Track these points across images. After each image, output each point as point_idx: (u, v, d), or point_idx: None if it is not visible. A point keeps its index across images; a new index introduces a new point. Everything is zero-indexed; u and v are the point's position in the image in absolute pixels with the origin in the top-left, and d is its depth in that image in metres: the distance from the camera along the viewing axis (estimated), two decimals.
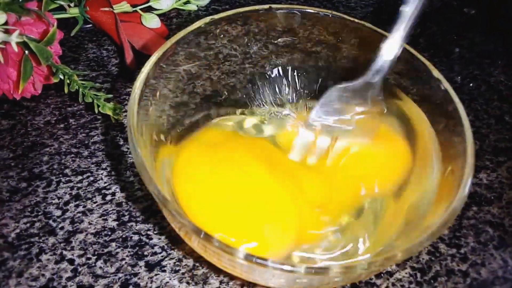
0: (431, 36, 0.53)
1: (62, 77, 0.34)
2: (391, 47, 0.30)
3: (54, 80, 0.32)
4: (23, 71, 0.33)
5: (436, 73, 0.32)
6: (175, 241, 0.33)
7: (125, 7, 0.44)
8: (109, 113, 0.34)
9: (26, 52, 0.33)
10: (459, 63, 0.50)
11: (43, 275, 0.31)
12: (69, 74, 0.32)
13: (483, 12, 0.57)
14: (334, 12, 0.35)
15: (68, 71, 0.32)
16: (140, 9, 0.46)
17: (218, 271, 0.31)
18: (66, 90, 0.33)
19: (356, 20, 0.35)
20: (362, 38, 0.35)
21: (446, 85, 0.31)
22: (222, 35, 0.34)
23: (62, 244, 0.32)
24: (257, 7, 0.35)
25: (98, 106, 0.34)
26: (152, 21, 0.45)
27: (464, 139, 0.28)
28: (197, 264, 0.32)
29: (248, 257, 0.22)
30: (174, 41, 0.31)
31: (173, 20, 0.50)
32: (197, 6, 0.51)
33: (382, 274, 0.32)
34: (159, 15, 0.47)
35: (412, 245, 0.24)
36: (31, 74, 0.33)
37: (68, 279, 0.31)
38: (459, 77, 0.48)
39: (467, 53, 0.51)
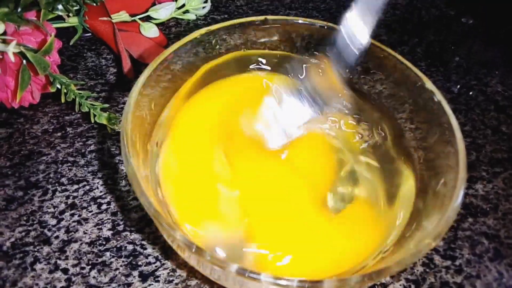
0: (429, 46, 0.53)
1: (59, 86, 0.34)
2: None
3: (51, 90, 0.32)
4: (21, 81, 0.33)
5: (429, 85, 0.32)
6: (169, 251, 0.33)
7: (124, 16, 0.44)
8: (105, 123, 0.34)
9: (24, 61, 0.33)
10: (456, 72, 0.50)
11: (37, 284, 0.31)
12: (66, 83, 0.32)
13: (481, 22, 0.58)
14: (329, 24, 0.35)
15: (65, 81, 0.33)
16: (139, 18, 0.46)
17: (211, 282, 0.32)
18: (63, 100, 0.34)
19: None
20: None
21: (439, 96, 0.31)
22: (218, 46, 0.35)
23: (56, 254, 0.32)
24: (253, 18, 0.35)
25: (95, 115, 0.34)
26: (150, 31, 0.46)
27: (456, 150, 0.28)
28: (191, 275, 0.32)
29: (240, 271, 0.22)
30: (171, 51, 0.31)
31: (172, 29, 0.51)
32: (195, 15, 0.51)
33: (376, 286, 0.32)
34: (157, 25, 0.47)
35: (406, 257, 0.24)
36: (29, 84, 0.34)
37: None
38: (456, 87, 0.48)
39: (464, 63, 0.51)
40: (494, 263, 0.35)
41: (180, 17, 0.50)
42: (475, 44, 0.54)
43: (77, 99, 0.33)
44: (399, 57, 0.33)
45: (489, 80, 0.50)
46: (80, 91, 0.34)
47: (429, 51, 0.53)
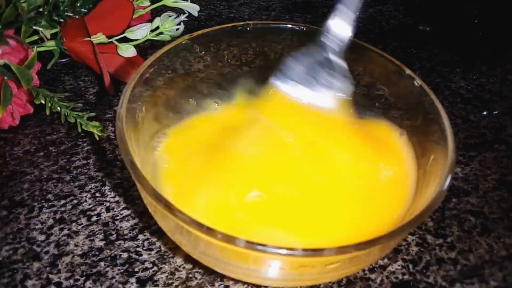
0: (393, 51, 0.56)
1: (43, 101, 0.34)
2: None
3: (36, 102, 0.32)
4: (3, 97, 0.33)
5: (408, 71, 0.34)
6: (166, 255, 0.32)
7: (101, 38, 0.45)
8: (93, 130, 0.34)
9: (6, 78, 0.33)
10: (421, 73, 0.53)
11: None
12: (50, 96, 0.32)
13: (437, 28, 0.62)
14: (308, 25, 0.37)
15: (49, 93, 0.33)
16: (116, 40, 0.47)
17: (212, 281, 0.31)
18: (48, 112, 0.34)
19: None
20: None
21: (419, 81, 0.33)
22: (202, 52, 0.36)
23: (48, 268, 0.31)
24: (235, 23, 0.36)
25: (81, 125, 0.34)
26: (128, 50, 0.46)
27: (443, 127, 0.30)
28: (190, 276, 0.31)
29: (247, 244, 0.22)
30: (159, 55, 0.32)
31: (148, 51, 0.52)
32: (170, 36, 0.52)
33: (375, 268, 0.33)
34: (134, 46, 0.48)
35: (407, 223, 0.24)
36: (11, 100, 0.33)
37: None
38: None
39: (427, 64, 0.55)
40: (483, 237, 0.36)
41: (155, 38, 0.51)
42: (434, 48, 0.58)
43: (62, 110, 0.33)
44: (377, 50, 0.36)
45: (452, 77, 0.53)
46: (64, 103, 0.34)
47: (393, 56, 0.55)
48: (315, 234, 0.28)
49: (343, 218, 0.30)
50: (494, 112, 0.48)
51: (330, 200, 0.30)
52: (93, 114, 0.36)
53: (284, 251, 0.22)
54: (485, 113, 0.48)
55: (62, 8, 0.34)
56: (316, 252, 0.23)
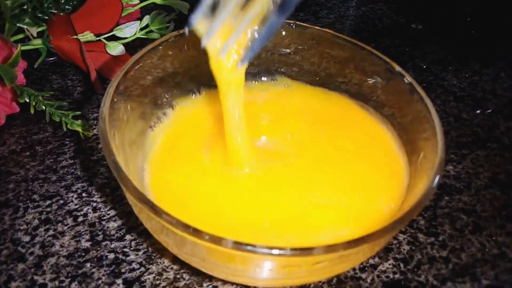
0: (385, 49, 0.56)
1: (27, 99, 0.33)
2: None
3: (20, 101, 0.32)
4: None
5: (398, 68, 0.33)
6: (154, 255, 0.32)
7: (89, 36, 0.44)
8: (78, 129, 0.33)
9: None
10: (414, 71, 0.53)
11: None
12: (35, 94, 0.32)
13: (429, 27, 0.62)
14: (297, 22, 0.37)
15: (34, 92, 0.32)
16: (104, 38, 0.46)
17: (200, 281, 0.30)
18: (32, 111, 0.33)
19: (317, 28, 0.37)
20: (325, 45, 0.37)
21: (409, 78, 0.33)
22: (189, 49, 0.35)
23: (32, 270, 0.30)
24: None
25: (66, 124, 0.33)
26: (116, 49, 0.46)
27: (433, 124, 0.29)
28: (178, 276, 0.31)
29: (235, 245, 0.21)
30: (145, 52, 0.31)
31: (138, 49, 0.51)
32: (160, 35, 0.52)
33: (366, 268, 0.32)
34: (123, 45, 0.48)
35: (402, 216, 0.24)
36: None
37: None
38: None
39: (420, 62, 0.54)
40: (475, 235, 0.36)
41: (145, 36, 0.51)
42: (427, 46, 0.58)
43: (47, 109, 0.32)
44: (368, 47, 0.35)
45: (445, 75, 0.53)
46: (49, 102, 0.34)
47: (386, 54, 0.55)
48: (301, 229, 0.28)
49: (332, 212, 0.29)
50: (487, 111, 0.48)
51: (318, 193, 0.30)
52: (78, 112, 0.36)
53: (272, 251, 0.21)
54: (478, 112, 0.47)
55: (46, 5, 0.33)
56: (304, 251, 0.22)
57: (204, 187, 0.31)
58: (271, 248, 0.21)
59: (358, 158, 0.34)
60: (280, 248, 0.22)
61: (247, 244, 0.21)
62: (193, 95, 0.37)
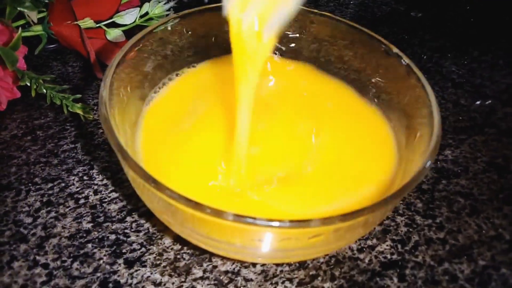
0: (384, 37, 0.56)
1: (28, 83, 0.33)
2: None
3: (21, 83, 0.32)
4: None
5: (396, 50, 0.34)
6: (154, 236, 0.32)
7: (89, 23, 0.45)
8: (79, 111, 0.34)
9: None
10: (412, 58, 0.53)
11: (15, 282, 0.29)
12: (36, 78, 0.32)
13: (428, 15, 0.62)
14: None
15: (34, 75, 0.32)
16: (104, 25, 0.46)
17: (200, 261, 0.31)
18: (33, 94, 0.33)
19: (316, 11, 0.37)
20: (326, 29, 0.38)
21: (406, 60, 0.33)
22: (188, 31, 0.36)
23: (34, 250, 0.31)
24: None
25: (67, 106, 0.33)
26: (116, 35, 0.46)
27: (429, 104, 0.29)
28: (179, 256, 0.31)
29: (235, 217, 0.22)
30: (144, 34, 0.32)
31: None
32: None
33: (364, 249, 0.33)
34: (123, 32, 0.48)
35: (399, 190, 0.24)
36: None
37: (43, 283, 0.29)
38: None
39: (418, 49, 0.55)
40: (472, 218, 0.36)
41: (145, 24, 0.51)
42: (426, 34, 0.58)
43: (48, 92, 0.33)
44: (366, 30, 0.36)
45: (443, 62, 0.53)
46: (50, 85, 0.34)
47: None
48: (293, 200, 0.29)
49: (324, 187, 0.30)
50: (487, 102, 0.48)
51: (311, 168, 0.31)
52: (79, 95, 0.36)
53: (272, 223, 0.22)
54: (478, 103, 0.48)
55: None
56: (302, 223, 0.22)
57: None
58: (271, 220, 0.22)
59: (350, 145, 0.34)
60: (279, 220, 0.22)
61: (247, 217, 0.22)
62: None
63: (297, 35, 0.39)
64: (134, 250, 0.31)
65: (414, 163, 0.28)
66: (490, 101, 0.48)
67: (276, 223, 0.22)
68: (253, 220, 0.22)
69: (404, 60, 0.33)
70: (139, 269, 0.30)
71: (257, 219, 0.22)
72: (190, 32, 0.35)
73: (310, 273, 0.31)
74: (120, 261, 0.31)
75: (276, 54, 0.40)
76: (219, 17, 0.36)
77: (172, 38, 0.35)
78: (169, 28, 0.34)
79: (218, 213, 0.22)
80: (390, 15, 0.61)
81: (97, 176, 0.36)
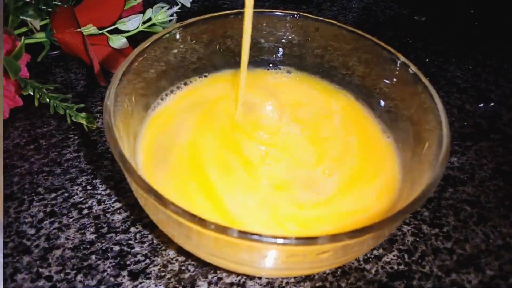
0: (388, 41, 0.55)
1: (31, 92, 0.33)
2: None
3: (24, 93, 0.32)
4: None
5: (402, 58, 0.33)
6: (159, 247, 0.32)
7: (92, 29, 0.44)
8: (83, 121, 0.34)
9: None
10: (416, 63, 0.52)
11: None
12: (39, 87, 0.32)
13: (432, 18, 0.61)
14: (301, 13, 0.37)
15: (38, 85, 0.32)
16: (107, 31, 0.46)
17: (205, 273, 0.31)
18: (36, 103, 0.33)
19: (321, 18, 0.37)
20: (331, 36, 0.37)
21: (413, 68, 0.32)
22: (193, 40, 0.35)
23: (38, 262, 0.30)
24: (227, 12, 0.36)
25: (71, 116, 0.33)
26: (119, 42, 0.46)
27: (438, 114, 0.29)
28: (183, 268, 0.31)
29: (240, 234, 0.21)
30: (149, 43, 0.31)
31: (140, 42, 0.51)
32: (163, 28, 0.52)
33: (370, 259, 0.32)
34: (126, 38, 0.47)
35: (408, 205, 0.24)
36: None
37: None
38: None
39: (422, 54, 0.54)
40: (479, 226, 0.36)
41: (148, 30, 0.51)
42: (429, 38, 0.57)
43: (51, 102, 0.32)
44: (372, 37, 0.35)
45: (448, 67, 0.52)
46: (53, 94, 0.34)
47: (389, 46, 0.55)
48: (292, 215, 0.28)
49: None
50: (491, 104, 0.48)
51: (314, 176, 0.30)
52: (82, 105, 0.36)
53: (277, 240, 0.21)
54: (481, 105, 0.47)
55: None
56: (309, 240, 0.22)
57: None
58: (276, 237, 0.21)
59: (352, 157, 0.34)
60: (285, 238, 0.22)
61: (252, 234, 0.21)
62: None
63: (302, 41, 0.38)
64: (139, 261, 0.31)
65: (423, 173, 0.28)
66: (493, 105, 0.48)
67: (282, 240, 0.21)
68: (259, 237, 0.21)
69: (411, 69, 0.32)
70: (144, 281, 0.30)
71: (263, 236, 0.21)
72: (194, 41, 0.35)
73: (317, 284, 0.30)
74: (124, 273, 0.30)
75: (279, 61, 0.39)
76: (223, 25, 0.36)
77: (177, 46, 0.34)
78: (177, 36, 0.34)
79: (222, 230, 0.22)
80: (393, 19, 0.61)
81: (100, 186, 0.36)
